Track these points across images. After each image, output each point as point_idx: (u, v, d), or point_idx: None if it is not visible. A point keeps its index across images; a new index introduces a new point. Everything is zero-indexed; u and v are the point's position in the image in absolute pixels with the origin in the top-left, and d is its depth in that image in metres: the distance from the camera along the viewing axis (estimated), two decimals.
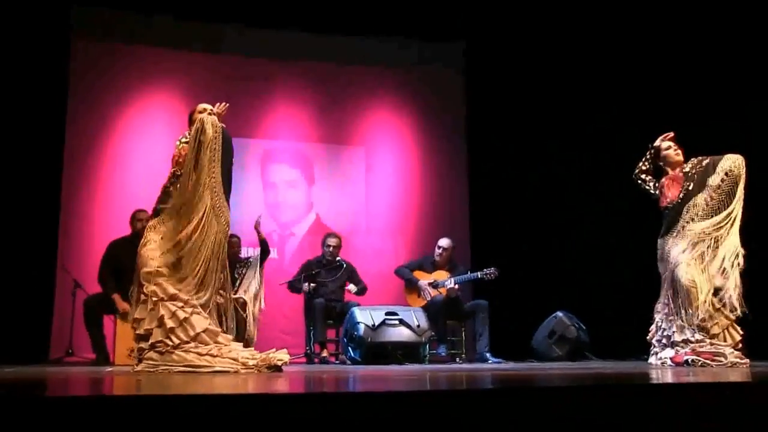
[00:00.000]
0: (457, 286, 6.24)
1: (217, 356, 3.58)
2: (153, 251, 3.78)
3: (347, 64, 7.81)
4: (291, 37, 7.60)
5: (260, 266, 5.75)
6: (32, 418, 1.51)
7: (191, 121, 4.03)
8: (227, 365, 3.54)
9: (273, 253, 6.74)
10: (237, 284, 5.70)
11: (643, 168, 4.86)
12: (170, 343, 3.59)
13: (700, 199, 4.56)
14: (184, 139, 3.98)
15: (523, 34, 7.43)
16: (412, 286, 6.45)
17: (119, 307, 5.40)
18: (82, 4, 7.00)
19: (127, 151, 7.10)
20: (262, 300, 5.60)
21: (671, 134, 4.86)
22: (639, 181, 4.88)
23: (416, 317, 5.72)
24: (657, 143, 4.86)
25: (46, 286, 6.48)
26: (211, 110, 3.97)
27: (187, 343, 3.60)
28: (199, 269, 3.76)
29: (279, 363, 3.60)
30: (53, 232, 6.65)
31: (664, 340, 4.58)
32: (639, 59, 6.98)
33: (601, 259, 7.03)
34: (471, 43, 7.92)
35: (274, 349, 3.73)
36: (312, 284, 6.17)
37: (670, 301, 4.53)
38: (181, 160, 3.90)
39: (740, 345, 4.37)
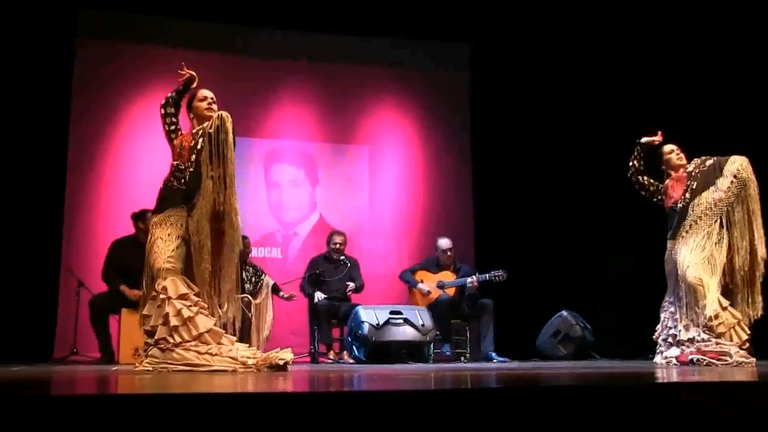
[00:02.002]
0: (477, 283, 6.22)
1: (216, 355, 3.56)
2: (162, 248, 3.71)
3: (351, 64, 7.80)
4: (296, 37, 7.59)
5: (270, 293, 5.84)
6: (37, 417, 1.51)
7: (190, 107, 3.98)
8: (225, 364, 3.53)
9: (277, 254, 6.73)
10: (246, 286, 5.72)
11: (636, 165, 4.87)
12: (171, 341, 3.58)
13: (706, 198, 4.56)
14: (172, 125, 3.90)
15: (528, 36, 7.40)
16: (412, 290, 6.45)
17: (129, 295, 5.35)
18: (86, 5, 6.99)
19: (131, 152, 7.09)
20: (270, 325, 5.64)
21: (659, 138, 4.87)
22: (634, 180, 4.89)
23: (421, 316, 5.71)
24: (645, 139, 4.86)
25: (50, 285, 6.48)
26: (213, 99, 3.94)
27: (189, 342, 3.58)
28: (217, 269, 3.75)
29: (281, 362, 3.58)
30: (57, 232, 6.67)
31: (669, 339, 4.57)
32: (644, 59, 6.95)
33: (607, 258, 7.01)
34: (477, 44, 7.89)
35: (278, 349, 3.72)
36: (319, 292, 6.13)
37: (677, 300, 4.53)
38: (185, 153, 3.81)
39: (747, 344, 4.35)
